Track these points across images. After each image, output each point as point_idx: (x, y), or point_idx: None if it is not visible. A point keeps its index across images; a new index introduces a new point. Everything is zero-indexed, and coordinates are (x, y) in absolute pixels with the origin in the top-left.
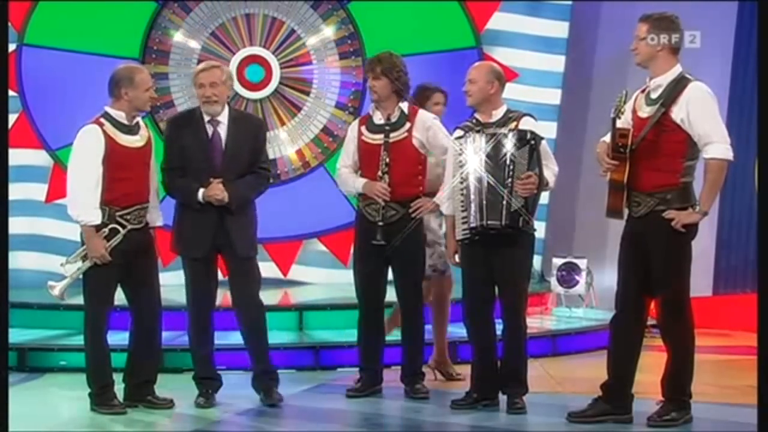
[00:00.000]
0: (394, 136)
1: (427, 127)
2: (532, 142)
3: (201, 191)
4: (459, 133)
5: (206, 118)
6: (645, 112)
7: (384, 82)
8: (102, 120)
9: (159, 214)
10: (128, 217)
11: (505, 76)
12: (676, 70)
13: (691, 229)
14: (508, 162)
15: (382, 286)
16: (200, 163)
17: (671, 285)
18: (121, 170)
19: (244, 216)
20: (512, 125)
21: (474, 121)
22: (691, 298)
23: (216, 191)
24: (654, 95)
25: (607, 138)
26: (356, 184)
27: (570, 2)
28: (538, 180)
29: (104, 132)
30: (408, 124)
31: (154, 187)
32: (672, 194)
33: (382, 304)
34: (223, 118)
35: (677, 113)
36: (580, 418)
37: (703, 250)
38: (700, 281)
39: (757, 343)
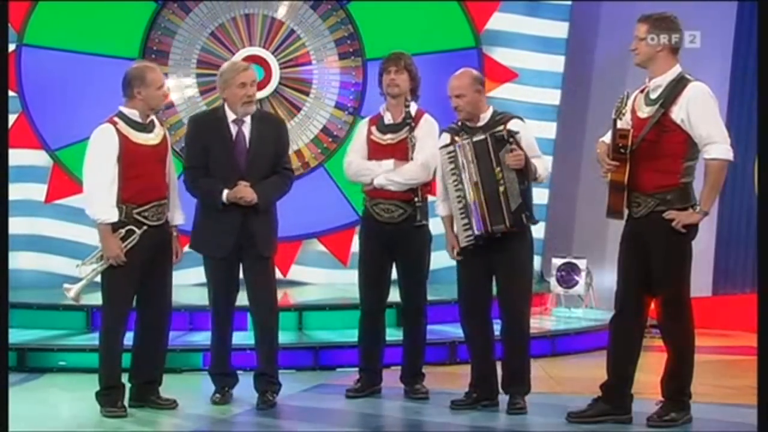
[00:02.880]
0: (403, 135)
1: (426, 131)
2: (511, 139)
3: (225, 192)
4: (446, 137)
5: (230, 118)
6: (644, 112)
7: (406, 77)
8: (116, 119)
9: (180, 212)
10: (146, 214)
11: (482, 76)
12: (676, 70)
13: (692, 230)
14: (495, 165)
15: (386, 288)
16: (224, 164)
17: (672, 285)
18: (135, 168)
19: (267, 216)
20: (500, 129)
21: (460, 124)
22: (691, 299)
23: (245, 193)
24: (653, 95)
25: (606, 138)
26: (383, 164)
27: (569, 2)
28: (525, 162)
29: (118, 131)
30: (414, 125)
31: (174, 185)
32: (672, 195)
33: (383, 306)
34: (247, 117)
35: (677, 113)
36: (579, 418)
37: (703, 250)
38: (700, 281)
39: (757, 343)
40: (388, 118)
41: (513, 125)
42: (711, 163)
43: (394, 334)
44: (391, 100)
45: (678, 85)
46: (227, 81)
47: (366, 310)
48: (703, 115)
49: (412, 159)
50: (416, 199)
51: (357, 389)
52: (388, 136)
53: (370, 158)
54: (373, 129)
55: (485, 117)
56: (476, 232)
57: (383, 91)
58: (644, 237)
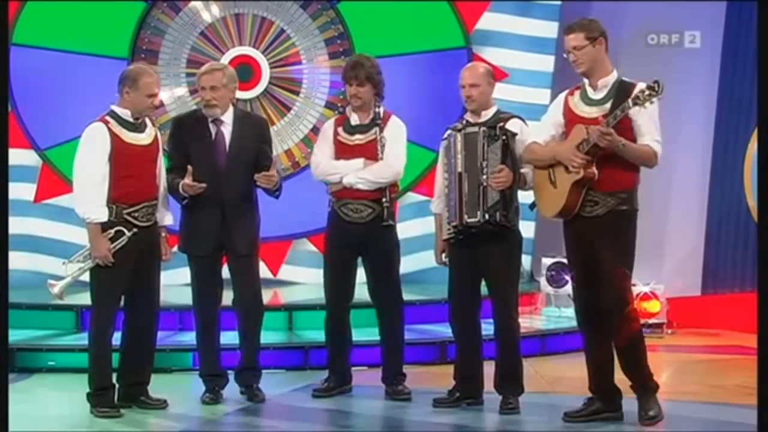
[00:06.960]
0: (372, 135)
1: (395, 133)
2: (504, 137)
3: (181, 183)
4: (448, 133)
5: (210, 119)
6: (589, 112)
7: (368, 88)
8: (107, 118)
9: (168, 213)
10: (136, 214)
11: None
12: (614, 70)
13: (635, 228)
14: (481, 159)
15: (351, 288)
16: (204, 163)
17: (622, 280)
18: (126, 168)
19: (245, 214)
20: (499, 126)
21: (464, 122)
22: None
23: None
24: (597, 96)
25: (539, 140)
26: (351, 163)
27: (559, 2)
28: (513, 175)
29: (110, 130)
30: (382, 126)
31: (163, 185)
32: (628, 194)
33: (349, 305)
34: (227, 118)
35: (634, 113)
36: (576, 417)
37: (692, 249)
38: (689, 281)
39: (757, 343)
40: (354, 120)
41: (512, 125)
42: (648, 150)
43: (375, 334)
44: (357, 108)
45: (623, 85)
46: (196, 83)
47: (332, 310)
48: (651, 117)
49: (381, 159)
50: (384, 199)
51: (324, 389)
52: (357, 136)
53: (337, 158)
54: (340, 130)
55: (488, 114)
56: (453, 223)
57: (347, 97)
58: (593, 236)
